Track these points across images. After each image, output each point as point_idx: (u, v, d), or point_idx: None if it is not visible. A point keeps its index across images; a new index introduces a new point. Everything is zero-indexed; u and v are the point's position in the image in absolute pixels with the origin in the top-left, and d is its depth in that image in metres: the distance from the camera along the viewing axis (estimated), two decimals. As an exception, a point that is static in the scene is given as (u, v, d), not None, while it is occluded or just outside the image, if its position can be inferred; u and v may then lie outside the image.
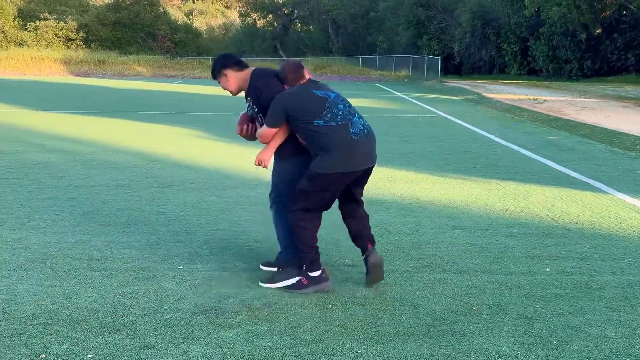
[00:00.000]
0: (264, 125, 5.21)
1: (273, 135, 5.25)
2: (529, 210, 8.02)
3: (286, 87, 5.29)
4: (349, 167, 5.10)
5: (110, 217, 7.41)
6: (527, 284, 5.44)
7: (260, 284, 5.32)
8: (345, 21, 73.93)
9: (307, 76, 5.37)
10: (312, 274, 5.22)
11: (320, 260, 5.28)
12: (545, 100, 25.79)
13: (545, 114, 20.49)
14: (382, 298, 5.04)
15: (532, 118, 19.74)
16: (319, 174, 5.08)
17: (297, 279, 5.27)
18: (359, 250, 5.51)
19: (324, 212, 5.37)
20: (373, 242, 5.45)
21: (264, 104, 5.23)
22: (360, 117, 5.35)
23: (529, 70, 50.97)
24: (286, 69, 5.33)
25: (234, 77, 5.41)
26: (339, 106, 5.24)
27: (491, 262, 5.99)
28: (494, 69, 54.58)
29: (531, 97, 27.42)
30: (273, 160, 5.41)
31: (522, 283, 5.45)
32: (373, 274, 5.31)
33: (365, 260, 5.35)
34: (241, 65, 5.43)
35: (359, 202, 5.56)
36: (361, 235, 5.46)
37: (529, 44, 49.15)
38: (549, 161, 11.69)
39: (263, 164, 5.31)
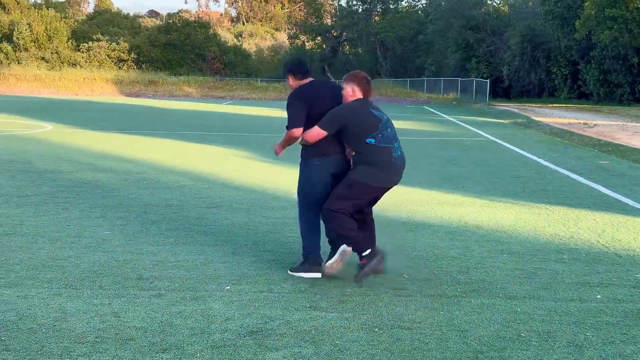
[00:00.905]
0: (316, 126, 5.89)
1: (319, 138, 5.93)
2: (579, 235, 7.92)
3: (347, 89, 6.03)
4: (385, 184, 5.99)
5: (159, 237, 7.48)
6: (577, 311, 5.36)
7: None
8: (394, 43, 74.00)
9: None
10: (364, 254, 5.88)
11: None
12: (595, 125, 25.50)
13: (595, 138, 20.25)
14: (429, 322, 5.01)
15: (582, 142, 19.52)
16: (361, 183, 5.86)
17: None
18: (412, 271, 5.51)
19: None
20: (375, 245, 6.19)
21: (311, 112, 5.97)
22: (399, 143, 6.04)
23: (579, 94, 50.43)
24: (362, 77, 6.13)
25: (293, 83, 6.24)
26: (389, 129, 5.96)
27: (540, 288, 5.92)
28: (543, 93, 54.10)
29: (581, 121, 27.12)
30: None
31: (572, 310, 5.37)
32: (368, 272, 5.85)
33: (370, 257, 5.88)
34: (302, 74, 6.19)
35: (370, 212, 6.34)
36: (371, 237, 6.17)
37: (579, 67, 48.67)
38: (600, 186, 11.53)
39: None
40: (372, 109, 5.98)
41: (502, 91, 56.27)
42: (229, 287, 5.75)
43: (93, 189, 10.40)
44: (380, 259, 5.86)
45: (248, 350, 4.43)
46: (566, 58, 49.70)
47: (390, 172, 5.90)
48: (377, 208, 9.05)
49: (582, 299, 5.65)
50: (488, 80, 50.92)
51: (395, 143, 5.91)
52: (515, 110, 35.94)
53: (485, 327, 4.94)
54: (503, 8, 62.62)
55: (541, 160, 15.24)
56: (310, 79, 6.23)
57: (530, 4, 58.65)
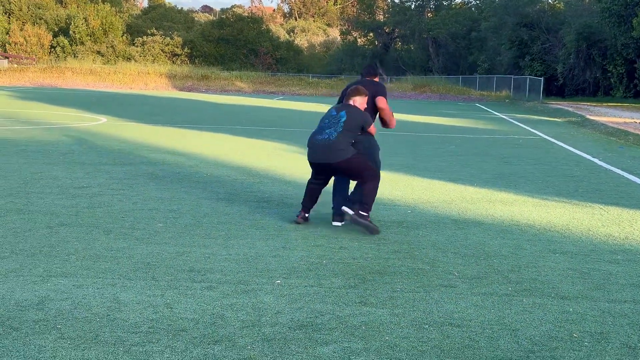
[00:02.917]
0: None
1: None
2: (633, 236, 7.80)
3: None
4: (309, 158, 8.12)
5: (210, 230, 7.55)
6: (631, 312, 5.28)
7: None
8: (446, 40, 73.60)
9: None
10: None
11: None
12: (652, 124, 25.05)
13: (652, 138, 19.90)
14: (479, 320, 4.98)
15: (638, 142, 19.20)
16: None
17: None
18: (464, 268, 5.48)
19: None
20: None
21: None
22: (331, 130, 7.75)
23: (636, 93, 49.58)
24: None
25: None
26: (326, 121, 7.96)
27: (593, 289, 5.85)
28: (598, 91, 53.32)
29: (637, 121, 26.67)
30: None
31: (626, 311, 5.30)
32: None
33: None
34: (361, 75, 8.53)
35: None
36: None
37: (636, 66, 47.84)
38: (656, 187, 11.35)
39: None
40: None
41: (556, 89, 55.57)
42: (279, 281, 5.79)
43: (147, 182, 10.53)
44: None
45: (298, 344, 4.46)
46: (622, 56, 48.89)
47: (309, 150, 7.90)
48: (427, 204, 9.05)
49: (636, 301, 5.57)
50: (542, 79, 50.33)
51: (327, 130, 7.70)
52: (570, 109, 35.48)
53: (536, 327, 4.90)
54: (558, 5, 61.78)
55: (595, 160, 15.04)
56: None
57: (586, 1, 57.76)
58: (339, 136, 7.62)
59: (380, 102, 8.09)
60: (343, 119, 7.69)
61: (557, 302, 5.46)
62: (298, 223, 7.94)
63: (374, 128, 8.01)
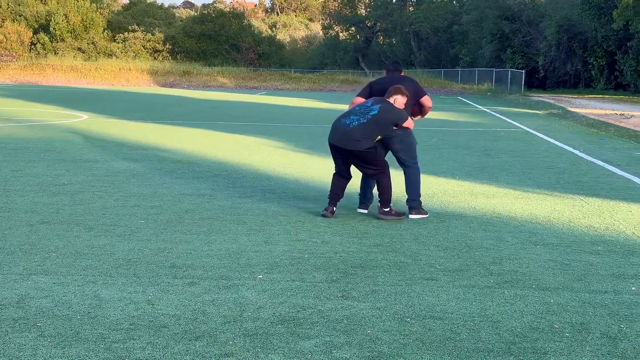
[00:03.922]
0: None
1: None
2: (614, 227, 7.84)
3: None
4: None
5: (192, 226, 7.53)
6: (611, 303, 5.31)
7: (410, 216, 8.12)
8: (428, 34, 73.72)
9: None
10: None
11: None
12: (632, 116, 25.20)
13: (632, 129, 20.02)
14: (461, 313, 5.00)
15: (619, 133, 19.30)
16: None
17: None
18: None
19: None
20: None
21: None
22: (357, 117, 7.94)
23: (616, 84, 49.87)
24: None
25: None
26: (357, 108, 8.16)
27: (574, 280, 5.88)
28: (579, 84, 53.57)
29: (618, 112, 26.82)
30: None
31: (607, 302, 5.33)
32: None
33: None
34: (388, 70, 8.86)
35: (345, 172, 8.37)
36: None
37: (616, 57, 48.12)
38: (636, 178, 11.41)
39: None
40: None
41: (537, 82, 55.83)
42: (261, 276, 5.78)
43: (128, 178, 10.49)
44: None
45: (280, 339, 4.45)
46: (603, 48, 49.14)
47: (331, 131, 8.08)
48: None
49: (617, 291, 5.60)
50: (523, 71, 50.58)
51: (353, 116, 7.87)
52: (551, 101, 35.63)
53: (518, 319, 4.92)
54: (539, -3, 62.07)
55: (576, 152, 15.11)
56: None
57: (567, -7, 57.99)
58: (360, 126, 7.77)
59: (427, 101, 8.50)
60: (373, 112, 7.83)
61: (538, 294, 5.48)
62: (325, 216, 8.08)
63: (412, 122, 8.20)
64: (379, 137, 7.97)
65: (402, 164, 8.34)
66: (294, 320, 4.79)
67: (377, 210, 8.07)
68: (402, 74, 8.71)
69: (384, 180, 7.97)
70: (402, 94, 8.07)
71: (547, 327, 4.76)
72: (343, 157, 8.03)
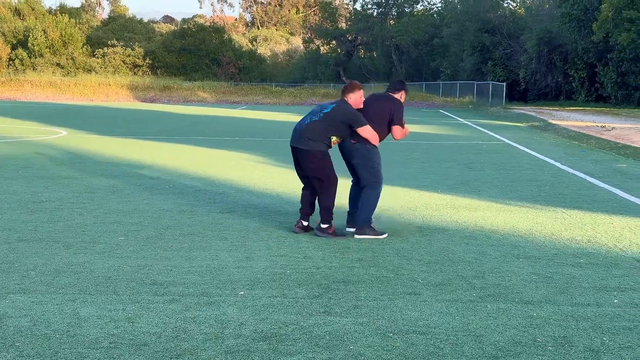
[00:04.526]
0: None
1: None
2: (596, 240, 7.85)
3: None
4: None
5: (173, 242, 7.47)
6: (594, 315, 5.30)
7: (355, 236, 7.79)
8: (409, 47, 73.97)
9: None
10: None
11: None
12: (613, 128, 25.36)
13: (613, 141, 20.13)
14: (444, 327, 4.97)
15: (600, 146, 19.41)
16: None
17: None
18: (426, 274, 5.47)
19: None
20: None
21: None
22: (311, 117, 7.81)
23: (597, 97, 50.18)
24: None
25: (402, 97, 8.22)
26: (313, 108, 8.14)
27: (557, 293, 5.87)
28: (560, 96, 53.87)
29: (599, 124, 26.98)
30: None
31: (589, 315, 5.32)
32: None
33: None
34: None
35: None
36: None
37: (596, 70, 48.42)
38: (617, 190, 11.45)
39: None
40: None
41: (518, 94, 56.08)
42: (243, 292, 5.73)
43: (107, 194, 10.41)
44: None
45: (262, 356, 4.41)
46: (583, 61, 49.47)
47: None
48: (391, 212, 9.02)
49: (599, 304, 5.59)
50: (504, 84, 50.82)
51: (308, 116, 7.78)
52: (532, 114, 35.81)
53: (501, 332, 4.90)
54: (519, 11, 62.47)
55: (558, 164, 15.16)
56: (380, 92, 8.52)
57: (547, 6, 58.39)
58: (312, 124, 7.66)
59: (396, 132, 7.98)
60: (326, 110, 7.69)
61: (521, 307, 5.46)
62: (295, 232, 7.96)
63: (375, 138, 7.77)
64: (334, 139, 7.67)
65: (360, 181, 7.96)
66: (276, 336, 4.74)
67: (316, 228, 7.87)
68: (400, 94, 8.10)
69: (324, 198, 7.77)
70: (353, 90, 7.77)
71: (530, 341, 4.74)
72: (296, 160, 7.90)
